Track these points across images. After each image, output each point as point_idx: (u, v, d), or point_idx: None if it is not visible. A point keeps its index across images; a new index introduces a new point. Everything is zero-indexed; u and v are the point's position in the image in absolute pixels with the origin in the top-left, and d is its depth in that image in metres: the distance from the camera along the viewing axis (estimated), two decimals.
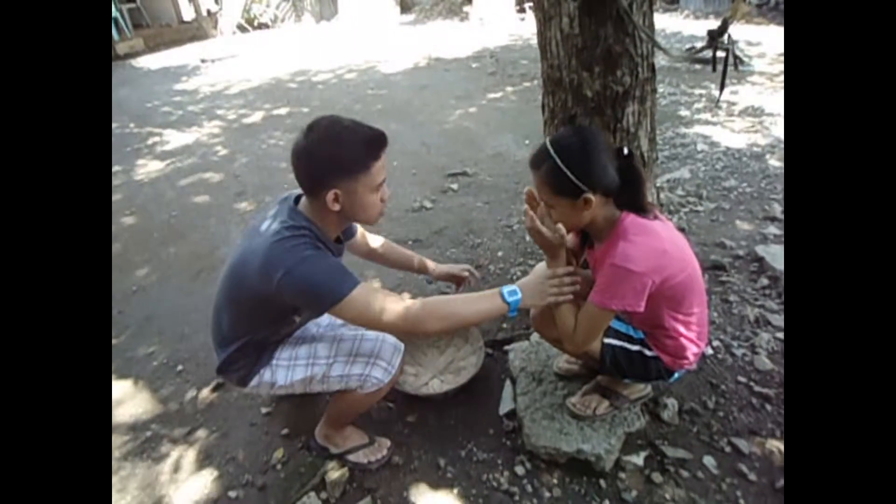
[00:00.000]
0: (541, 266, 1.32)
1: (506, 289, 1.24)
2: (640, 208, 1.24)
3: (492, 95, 5.42)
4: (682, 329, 1.32)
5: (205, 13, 11.89)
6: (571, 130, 1.29)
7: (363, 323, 1.22)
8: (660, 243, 1.21)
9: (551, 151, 1.18)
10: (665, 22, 8.28)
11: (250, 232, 1.31)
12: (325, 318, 1.62)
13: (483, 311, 1.24)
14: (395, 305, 1.19)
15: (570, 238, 1.55)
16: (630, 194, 1.24)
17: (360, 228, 1.64)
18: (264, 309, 1.30)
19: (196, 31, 11.38)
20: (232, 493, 1.50)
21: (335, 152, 1.15)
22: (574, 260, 1.59)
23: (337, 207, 1.20)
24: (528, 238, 2.63)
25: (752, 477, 1.39)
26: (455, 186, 3.40)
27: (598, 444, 1.43)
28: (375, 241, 1.69)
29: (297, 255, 1.17)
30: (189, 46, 10.29)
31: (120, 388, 1.94)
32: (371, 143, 1.18)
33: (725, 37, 1.48)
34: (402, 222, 3.00)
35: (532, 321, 1.49)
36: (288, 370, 1.39)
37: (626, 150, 1.24)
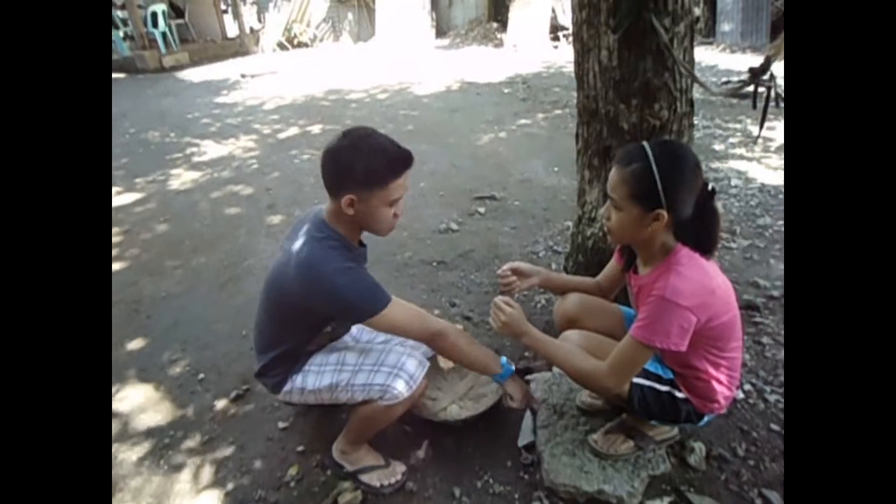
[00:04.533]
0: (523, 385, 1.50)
1: (504, 360, 1.46)
2: (705, 249, 1.21)
3: (522, 121, 5.45)
4: (714, 371, 1.28)
5: (248, 31, 12.36)
6: (670, 142, 1.28)
7: (394, 333, 1.40)
8: (710, 281, 1.18)
9: (648, 153, 1.15)
10: (701, 55, 8.25)
11: (287, 244, 1.38)
12: (356, 330, 1.68)
13: (481, 364, 1.44)
14: (420, 321, 1.36)
15: (612, 261, 1.52)
16: (699, 233, 1.20)
17: None
18: (300, 317, 1.37)
19: (238, 47, 11.82)
20: None
21: (359, 162, 1.22)
22: (610, 286, 1.57)
23: (351, 212, 1.27)
24: (553, 266, 2.61)
25: None
26: (482, 210, 3.40)
27: (621, 485, 1.38)
28: None
29: (334, 265, 1.25)
30: (231, 62, 10.67)
31: (141, 393, 1.96)
32: (395, 161, 1.25)
33: (767, 74, 1.46)
34: (428, 243, 3.00)
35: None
36: (318, 375, 1.44)
37: (710, 186, 1.20)
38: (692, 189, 1.16)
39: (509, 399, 1.46)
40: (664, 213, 1.14)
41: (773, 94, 1.47)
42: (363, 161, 1.21)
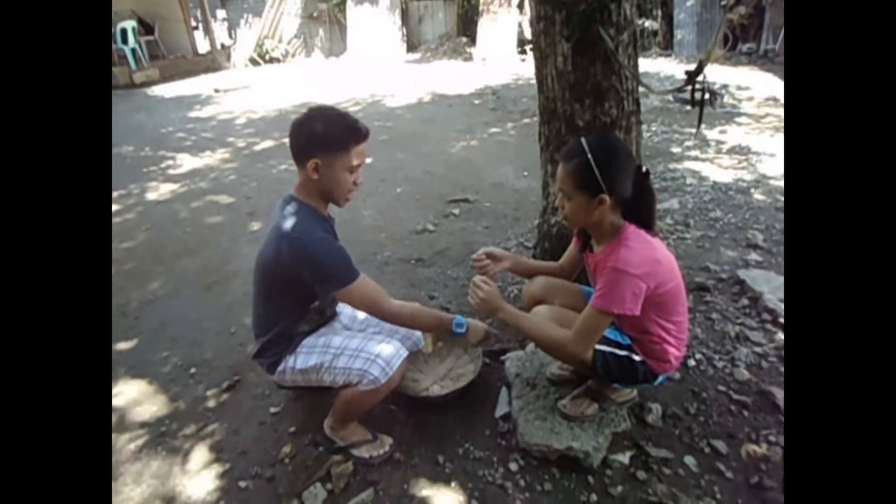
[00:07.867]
0: (480, 325, 1.65)
1: (458, 319, 1.59)
2: (647, 224, 1.40)
3: (493, 130, 5.67)
4: (664, 334, 1.45)
5: (219, 47, 12.38)
6: (605, 135, 1.47)
7: (358, 306, 1.53)
8: (654, 253, 1.36)
9: (585, 148, 1.34)
10: (660, 66, 8.70)
11: (269, 228, 1.54)
12: (347, 319, 1.81)
13: (436, 326, 1.61)
14: (381, 299, 1.51)
15: (571, 245, 1.70)
16: (639, 209, 1.40)
17: None
18: (287, 290, 1.50)
19: (210, 63, 11.83)
20: (242, 484, 1.59)
21: (322, 127, 1.41)
22: (571, 268, 1.74)
23: (316, 177, 1.44)
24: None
25: (729, 475, 1.49)
26: (457, 211, 3.57)
27: (587, 442, 1.53)
28: None
29: (315, 233, 1.42)
30: (203, 77, 10.67)
31: (135, 388, 2.04)
32: (353, 129, 1.44)
33: (701, 76, 1.67)
34: (406, 243, 3.15)
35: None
36: (306, 356, 1.57)
37: (644, 168, 1.40)
38: (627, 172, 1.36)
39: (471, 344, 1.65)
40: (607, 196, 1.34)
41: (706, 94, 1.68)
42: (326, 125, 1.40)
